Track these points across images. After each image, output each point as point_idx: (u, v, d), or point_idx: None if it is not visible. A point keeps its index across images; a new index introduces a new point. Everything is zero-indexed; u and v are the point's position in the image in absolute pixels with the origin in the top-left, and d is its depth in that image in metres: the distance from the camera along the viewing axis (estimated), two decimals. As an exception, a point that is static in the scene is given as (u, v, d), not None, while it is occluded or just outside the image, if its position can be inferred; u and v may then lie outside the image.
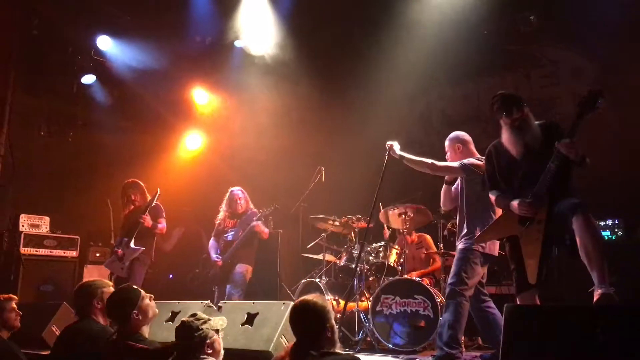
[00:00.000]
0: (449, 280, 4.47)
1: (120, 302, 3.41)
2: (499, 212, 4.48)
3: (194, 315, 3.18)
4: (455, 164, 4.64)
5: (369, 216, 5.17)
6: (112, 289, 3.80)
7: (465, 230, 4.58)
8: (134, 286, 3.63)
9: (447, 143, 4.91)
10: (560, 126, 3.82)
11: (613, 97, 6.45)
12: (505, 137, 3.95)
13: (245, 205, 6.55)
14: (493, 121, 4.17)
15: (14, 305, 4.30)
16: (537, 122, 3.89)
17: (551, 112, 7.07)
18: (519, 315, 2.96)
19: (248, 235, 6.30)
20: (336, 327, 2.87)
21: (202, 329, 3.08)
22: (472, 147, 4.85)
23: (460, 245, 4.58)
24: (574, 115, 3.56)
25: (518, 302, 3.78)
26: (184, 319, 3.20)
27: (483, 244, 4.44)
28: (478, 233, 4.41)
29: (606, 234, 5.76)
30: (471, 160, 4.65)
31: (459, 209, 4.75)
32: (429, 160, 4.64)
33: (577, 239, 3.39)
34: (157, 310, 3.52)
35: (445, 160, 4.83)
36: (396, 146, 4.78)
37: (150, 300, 3.50)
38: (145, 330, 3.43)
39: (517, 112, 3.84)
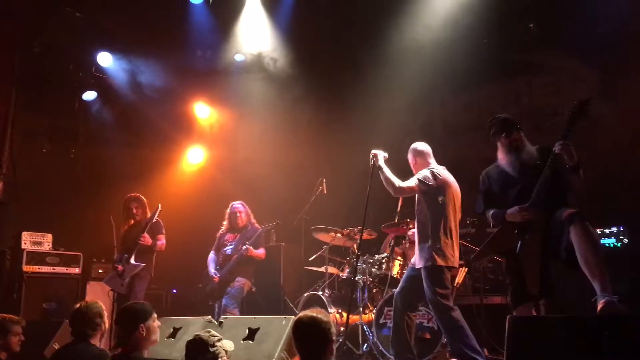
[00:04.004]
0: (431, 300, 4.43)
1: (133, 312, 3.43)
2: (454, 230, 4.53)
3: (207, 331, 3.23)
4: (413, 183, 4.58)
5: (362, 226, 5.11)
6: (101, 312, 3.80)
7: (420, 249, 4.56)
8: None
9: (408, 155, 4.90)
10: None
11: (615, 104, 6.45)
12: (502, 157, 4.05)
13: (246, 219, 6.53)
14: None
15: (20, 330, 4.24)
16: (534, 147, 3.99)
17: (553, 120, 7.03)
18: (522, 326, 2.92)
19: (244, 255, 6.25)
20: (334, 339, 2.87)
21: (217, 346, 3.13)
22: (429, 157, 4.81)
23: (420, 263, 4.54)
24: (566, 121, 3.69)
25: None
26: (199, 333, 3.24)
27: (443, 257, 4.42)
28: (430, 248, 4.43)
29: (611, 241, 5.70)
30: (422, 173, 4.62)
31: (416, 224, 4.73)
32: (396, 182, 4.57)
33: (576, 249, 3.37)
34: (158, 338, 3.50)
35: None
36: (381, 155, 4.73)
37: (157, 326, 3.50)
38: (145, 353, 3.41)
39: (516, 133, 3.98)
